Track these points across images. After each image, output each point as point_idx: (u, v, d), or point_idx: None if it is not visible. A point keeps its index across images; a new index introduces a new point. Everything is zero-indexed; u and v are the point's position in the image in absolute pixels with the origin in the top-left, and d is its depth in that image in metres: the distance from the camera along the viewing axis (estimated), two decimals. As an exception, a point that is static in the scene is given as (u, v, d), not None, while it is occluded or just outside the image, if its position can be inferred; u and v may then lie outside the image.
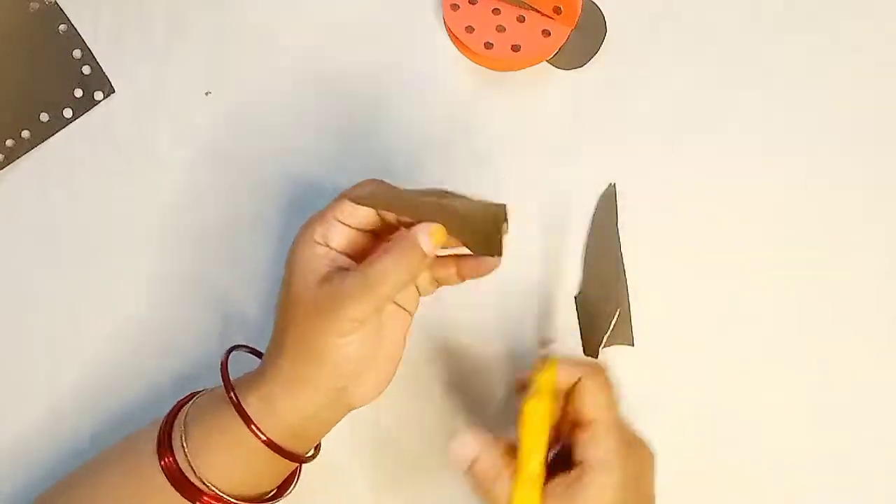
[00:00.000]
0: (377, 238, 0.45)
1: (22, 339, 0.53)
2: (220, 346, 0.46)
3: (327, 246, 0.43)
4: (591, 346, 0.53)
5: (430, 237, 0.41)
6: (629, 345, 0.53)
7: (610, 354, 0.53)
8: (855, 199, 0.55)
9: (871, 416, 0.52)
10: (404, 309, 0.45)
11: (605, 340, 0.53)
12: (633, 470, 0.42)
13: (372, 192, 0.43)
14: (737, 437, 0.52)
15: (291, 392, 0.42)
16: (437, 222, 0.41)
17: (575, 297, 0.54)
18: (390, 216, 0.43)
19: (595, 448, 0.41)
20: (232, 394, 0.43)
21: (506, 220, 0.41)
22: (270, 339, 0.44)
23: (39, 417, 0.52)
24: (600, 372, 0.44)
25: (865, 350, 0.53)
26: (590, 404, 0.42)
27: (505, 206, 0.41)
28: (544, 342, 0.42)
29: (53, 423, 0.52)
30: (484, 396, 0.52)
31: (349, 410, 0.45)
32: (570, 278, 0.54)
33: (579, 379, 0.43)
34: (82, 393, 0.52)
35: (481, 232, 0.41)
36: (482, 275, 0.44)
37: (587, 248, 0.55)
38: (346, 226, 0.43)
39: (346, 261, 0.43)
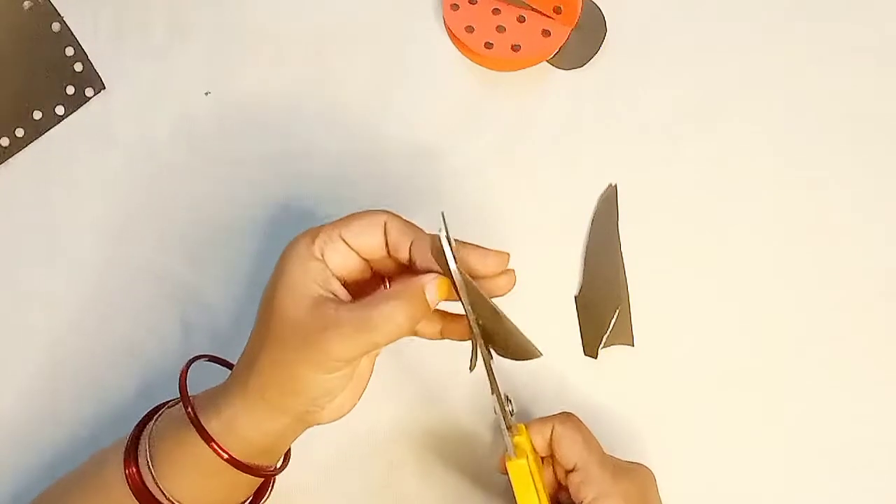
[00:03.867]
0: (374, 275, 0.42)
1: (19, 338, 0.53)
2: (212, 350, 0.46)
3: (324, 263, 0.39)
4: (591, 347, 0.53)
5: (436, 289, 0.38)
6: (629, 345, 0.53)
7: (610, 354, 0.53)
8: (855, 199, 0.55)
9: (871, 416, 0.52)
10: None
11: (604, 340, 0.53)
12: (635, 492, 0.42)
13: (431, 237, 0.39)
14: (737, 437, 0.52)
15: (257, 417, 0.40)
16: (477, 309, 0.39)
17: (575, 297, 0.54)
18: (402, 254, 0.40)
19: (590, 486, 0.42)
20: (190, 409, 0.40)
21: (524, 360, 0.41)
22: (245, 350, 0.41)
23: (37, 417, 0.52)
24: (569, 417, 0.45)
25: (866, 349, 0.53)
26: (570, 449, 0.43)
27: (539, 356, 0.41)
28: (502, 405, 0.43)
29: (52, 423, 0.52)
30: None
31: (313, 426, 0.42)
32: (571, 278, 0.54)
33: (553, 429, 0.44)
34: (84, 392, 0.52)
35: (503, 346, 0.41)
36: (465, 340, 0.42)
37: (587, 248, 0.55)
38: (349, 247, 0.40)
39: (338, 287, 0.40)
